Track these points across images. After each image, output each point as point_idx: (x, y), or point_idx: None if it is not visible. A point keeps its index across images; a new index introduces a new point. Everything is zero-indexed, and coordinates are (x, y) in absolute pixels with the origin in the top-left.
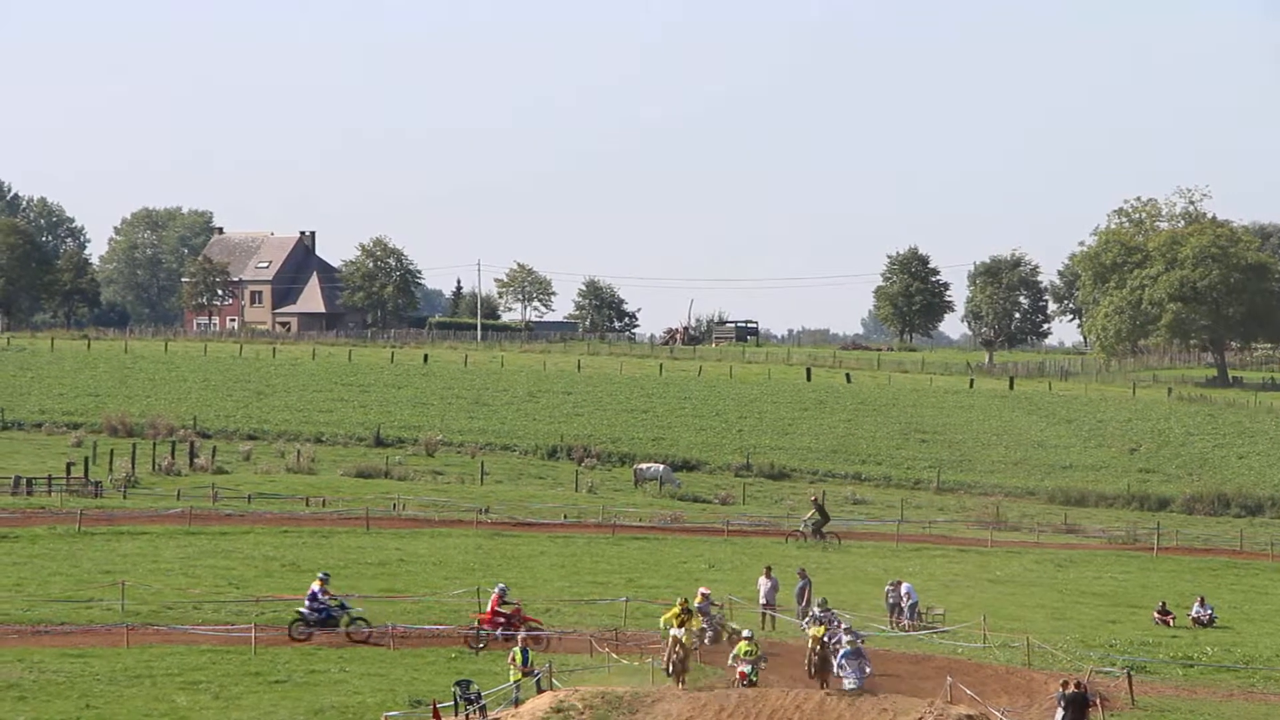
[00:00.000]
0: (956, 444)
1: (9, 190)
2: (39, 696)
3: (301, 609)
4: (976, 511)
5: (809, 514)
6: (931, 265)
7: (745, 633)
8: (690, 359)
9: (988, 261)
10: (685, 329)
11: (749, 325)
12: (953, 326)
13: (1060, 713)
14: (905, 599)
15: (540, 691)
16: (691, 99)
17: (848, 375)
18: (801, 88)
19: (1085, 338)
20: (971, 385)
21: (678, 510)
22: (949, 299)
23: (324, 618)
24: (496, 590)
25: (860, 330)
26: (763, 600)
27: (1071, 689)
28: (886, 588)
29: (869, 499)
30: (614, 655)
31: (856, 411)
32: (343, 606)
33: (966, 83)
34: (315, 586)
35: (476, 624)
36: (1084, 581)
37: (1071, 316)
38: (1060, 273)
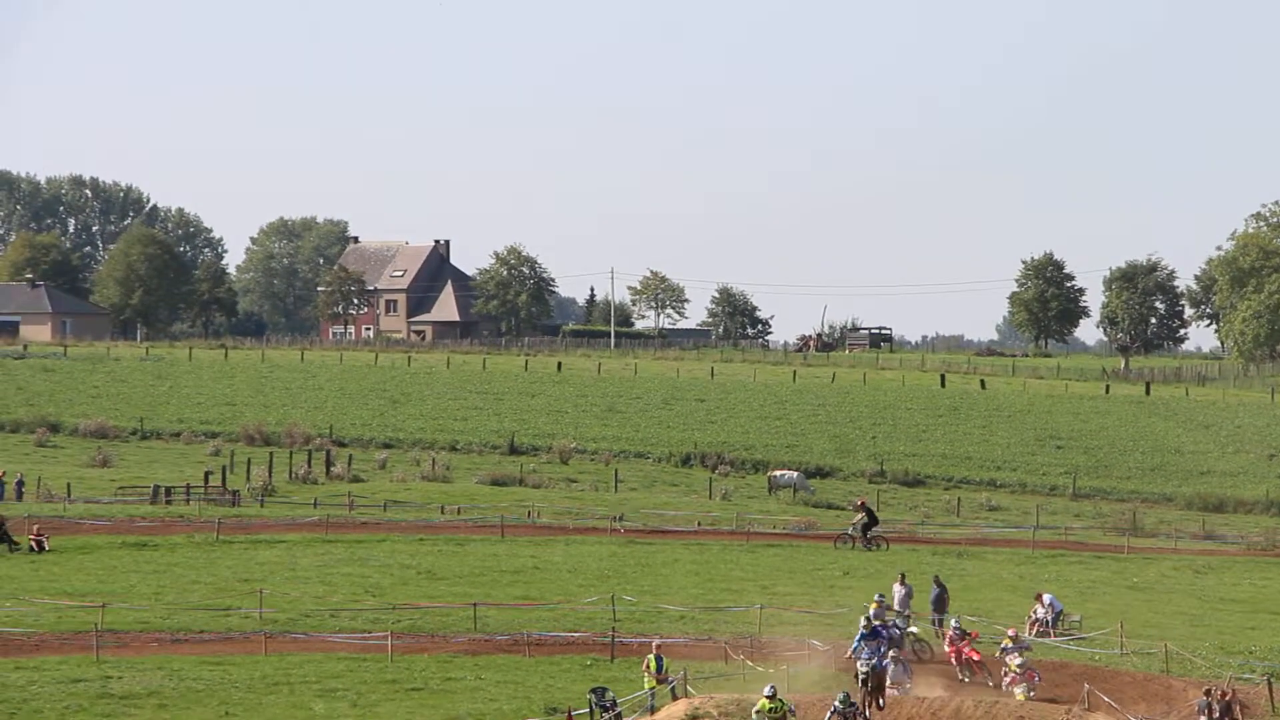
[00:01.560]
0: (1092, 450)
1: (148, 201)
2: (179, 704)
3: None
4: (1113, 518)
5: (858, 517)
6: (1067, 271)
7: (767, 689)
8: (824, 366)
9: (1123, 267)
10: (818, 336)
11: (882, 331)
12: (1088, 332)
13: None
14: (1049, 610)
15: (675, 699)
16: (820, 99)
17: (982, 381)
18: (933, 89)
19: (1223, 343)
20: (1107, 391)
21: (812, 517)
22: (1084, 304)
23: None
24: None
25: (995, 336)
26: (898, 607)
27: (1217, 699)
28: (1037, 609)
29: (1004, 505)
30: (749, 662)
31: (991, 418)
32: (899, 628)
33: (1099, 87)
34: (872, 609)
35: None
36: (1223, 588)
37: (1209, 321)
38: (1197, 277)
